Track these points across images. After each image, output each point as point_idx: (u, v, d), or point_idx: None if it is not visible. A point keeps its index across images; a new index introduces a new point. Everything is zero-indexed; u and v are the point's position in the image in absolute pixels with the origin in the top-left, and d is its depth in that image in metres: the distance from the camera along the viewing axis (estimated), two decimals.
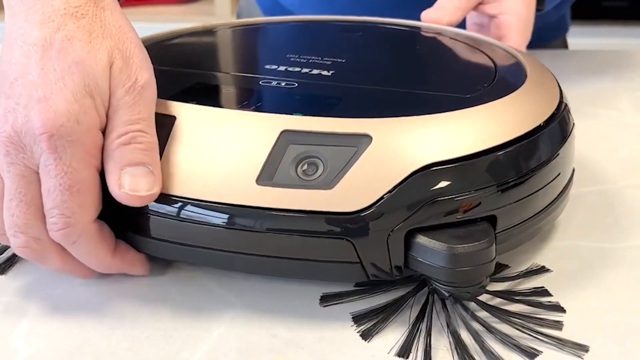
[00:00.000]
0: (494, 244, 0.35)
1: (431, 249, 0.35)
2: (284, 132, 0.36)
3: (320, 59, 0.46)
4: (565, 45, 0.91)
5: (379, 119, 0.36)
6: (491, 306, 0.36)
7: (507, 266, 0.40)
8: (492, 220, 0.36)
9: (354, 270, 0.36)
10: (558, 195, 0.40)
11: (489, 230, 0.35)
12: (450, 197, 0.35)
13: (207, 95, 0.41)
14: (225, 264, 0.37)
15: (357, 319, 0.36)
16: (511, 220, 0.37)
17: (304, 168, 0.35)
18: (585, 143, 0.54)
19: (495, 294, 0.37)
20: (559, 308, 0.37)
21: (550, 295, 0.38)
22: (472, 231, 0.35)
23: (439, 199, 0.35)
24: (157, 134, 0.37)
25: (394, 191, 0.34)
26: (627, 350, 0.34)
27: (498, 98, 0.39)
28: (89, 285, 0.40)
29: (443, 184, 0.35)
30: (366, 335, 0.35)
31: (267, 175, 0.35)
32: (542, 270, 0.40)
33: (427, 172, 0.35)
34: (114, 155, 0.36)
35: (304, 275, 0.37)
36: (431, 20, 0.57)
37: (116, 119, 0.36)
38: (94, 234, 0.36)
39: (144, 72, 0.37)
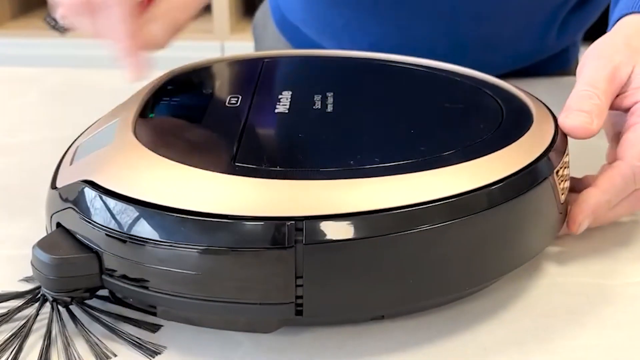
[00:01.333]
0: (77, 265, 0.37)
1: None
2: None
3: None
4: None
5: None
6: (86, 310, 0.39)
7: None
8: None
9: None
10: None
11: (79, 254, 0.37)
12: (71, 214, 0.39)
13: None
14: None
15: None
16: (114, 267, 0.37)
17: None
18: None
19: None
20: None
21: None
22: (67, 247, 0.38)
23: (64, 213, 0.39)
24: None
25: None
26: None
27: None
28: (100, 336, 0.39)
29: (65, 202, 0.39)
30: None
31: None
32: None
33: (75, 186, 0.39)
34: None
35: None
36: (578, 129, 0.44)
37: None
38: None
39: None
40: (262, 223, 0.34)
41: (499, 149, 0.40)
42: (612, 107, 0.47)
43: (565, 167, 0.43)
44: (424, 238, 0.35)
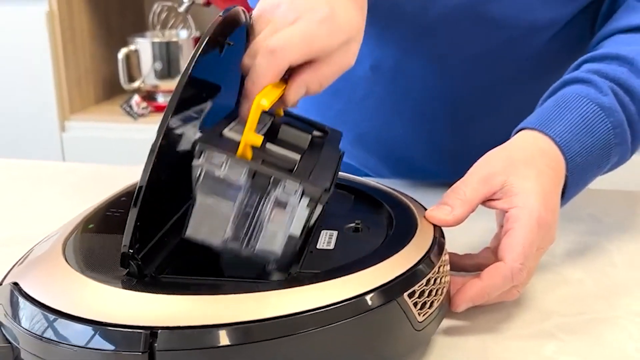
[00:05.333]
0: None
1: None
2: None
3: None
4: None
5: None
6: None
7: None
8: None
9: None
10: None
11: None
12: None
13: None
14: None
15: None
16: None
17: None
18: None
19: None
20: None
21: None
22: None
23: None
24: None
25: None
26: None
27: None
28: None
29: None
30: None
31: None
32: None
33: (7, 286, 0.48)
34: None
35: None
36: (436, 219, 0.54)
37: None
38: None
39: None
40: (123, 329, 0.42)
41: (351, 273, 0.46)
42: (492, 207, 0.57)
43: (426, 291, 0.48)
44: (259, 351, 0.42)
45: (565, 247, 0.68)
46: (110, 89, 2.18)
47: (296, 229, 0.46)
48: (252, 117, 0.47)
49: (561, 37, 0.74)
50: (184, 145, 0.54)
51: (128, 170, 0.94)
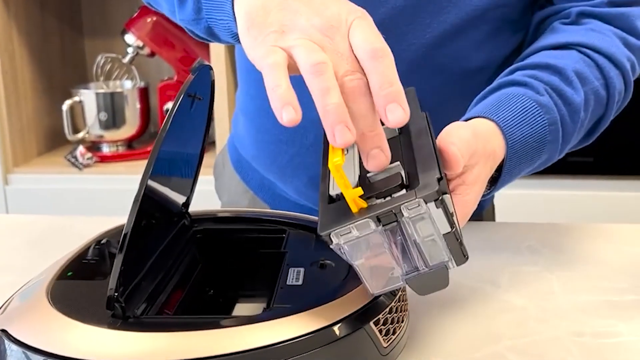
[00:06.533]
0: None
1: None
2: None
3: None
4: (492, 218, 1.02)
5: None
6: None
7: None
8: None
9: None
10: None
11: None
12: None
13: None
14: None
15: None
16: None
17: None
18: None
19: None
20: None
21: None
22: None
23: None
24: None
25: None
26: None
27: None
28: None
29: None
30: None
31: None
32: None
33: None
34: None
35: None
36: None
37: None
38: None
39: None
40: None
41: (321, 305, 0.50)
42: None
43: (389, 319, 0.53)
44: None
45: (510, 277, 0.74)
46: (53, 140, 2.18)
47: (444, 228, 0.48)
48: (339, 179, 0.49)
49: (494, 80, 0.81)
50: (159, 194, 0.57)
51: (84, 220, 0.96)
